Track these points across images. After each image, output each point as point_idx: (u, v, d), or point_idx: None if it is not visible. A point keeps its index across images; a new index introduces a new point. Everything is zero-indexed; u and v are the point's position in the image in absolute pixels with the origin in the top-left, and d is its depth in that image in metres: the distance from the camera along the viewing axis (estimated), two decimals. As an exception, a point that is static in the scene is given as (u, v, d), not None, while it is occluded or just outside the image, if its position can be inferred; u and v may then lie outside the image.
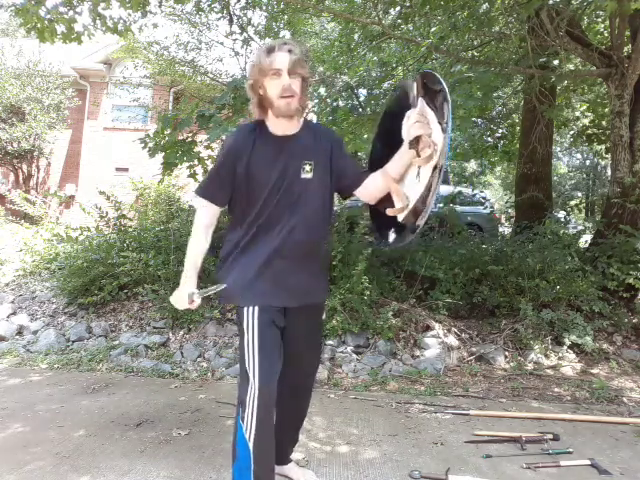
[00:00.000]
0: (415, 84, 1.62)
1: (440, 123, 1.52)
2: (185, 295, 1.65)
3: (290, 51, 1.62)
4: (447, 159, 1.52)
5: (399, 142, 1.66)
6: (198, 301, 1.66)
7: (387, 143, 1.81)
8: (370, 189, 1.78)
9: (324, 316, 1.93)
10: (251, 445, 1.58)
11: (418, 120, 1.55)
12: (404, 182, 1.69)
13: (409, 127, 1.57)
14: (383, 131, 1.93)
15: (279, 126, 1.70)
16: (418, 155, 1.56)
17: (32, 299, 4.89)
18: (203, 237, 1.72)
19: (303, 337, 1.83)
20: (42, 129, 11.86)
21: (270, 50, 1.62)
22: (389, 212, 1.68)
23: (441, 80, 1.53)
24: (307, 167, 1.71)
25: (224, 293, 1.71)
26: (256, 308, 1.65)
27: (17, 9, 4.21)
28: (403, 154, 1.65)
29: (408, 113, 1.60)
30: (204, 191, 1.75)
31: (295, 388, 1.87)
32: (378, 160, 1.83)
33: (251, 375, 1.60)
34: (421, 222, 1.58)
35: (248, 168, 1.68)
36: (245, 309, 1.66)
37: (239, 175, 1.69)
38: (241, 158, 1.68)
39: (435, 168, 1.53)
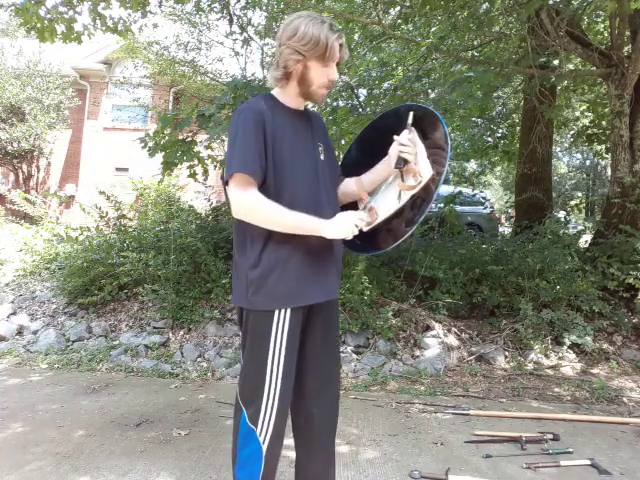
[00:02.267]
0: (411, 114, 1.58)
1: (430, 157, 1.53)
2: (354, 217, 1.44)
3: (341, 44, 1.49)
4: (435, 201, 1.53)
5: (376, 156, 1.63)
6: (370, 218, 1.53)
7: (364, 154, 1.77)
8: (340, 192, 1.70)
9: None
10: (264, 448, 1.46)
11: (409, 145, 1.51)
12: (376, 197, 1.66)
13: (400, 148, 1.52)
14: (364, 140, 1.86)
15: (293, 101, 1.56)
16: (402, 178, 1.56)
17: (32, 299, 4.88)
18: (275, 203, 1.40)
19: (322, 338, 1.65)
20: (42, 129, 11.87)
21: (340, 36, 1.46)
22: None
23: (443, 123, 1.53)
24: (319, 148, 1.60)
25: (262, 293, 1.46)
26: (288, 312, 1.46)
27: (17, 9, 4.21)
28: (383, 169, 1.60)
29: (403, 133, 1.55)
30: (242, 164, 1.40)
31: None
32: (349, 166, 1.79)
33: (270, 394, 1.47)
34: (391, 244, 1.59)
35: (274, 137, 1.45)
36: (277, 312, 1.46)
37: (266, 145, 1.44)
38: (267, 123, 1.45)
39: (421, 203, 1.55)
